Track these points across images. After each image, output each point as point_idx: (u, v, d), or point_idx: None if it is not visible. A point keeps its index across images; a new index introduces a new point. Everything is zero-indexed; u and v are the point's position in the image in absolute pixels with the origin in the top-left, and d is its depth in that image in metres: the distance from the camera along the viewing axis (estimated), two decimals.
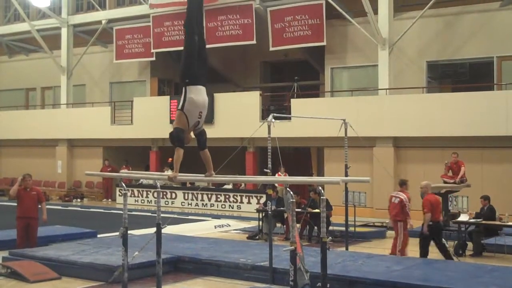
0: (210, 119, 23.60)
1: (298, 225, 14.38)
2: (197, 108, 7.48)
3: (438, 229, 12.70)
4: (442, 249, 12.67)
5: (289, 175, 19.32)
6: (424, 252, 12.56)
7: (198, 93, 7.49)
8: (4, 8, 32.42)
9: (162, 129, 24.59)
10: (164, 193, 24.07)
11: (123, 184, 8.98)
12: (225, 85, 27.56)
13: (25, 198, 12.76)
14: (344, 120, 13.77)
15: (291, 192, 7.01)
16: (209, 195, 23.79)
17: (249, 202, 22.64)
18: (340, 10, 21.99)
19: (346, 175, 13.52)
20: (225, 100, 23.91)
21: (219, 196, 23.58)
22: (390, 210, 13.10)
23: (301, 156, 25.49)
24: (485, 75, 21.71)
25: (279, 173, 19.79)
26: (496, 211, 14.11)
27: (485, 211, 13.98)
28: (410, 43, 22.06)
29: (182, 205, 24.21)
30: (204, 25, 23.82)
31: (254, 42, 23.85)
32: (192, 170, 8.98)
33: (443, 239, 12.80)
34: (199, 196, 23.94)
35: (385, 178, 19.35)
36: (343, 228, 14.33)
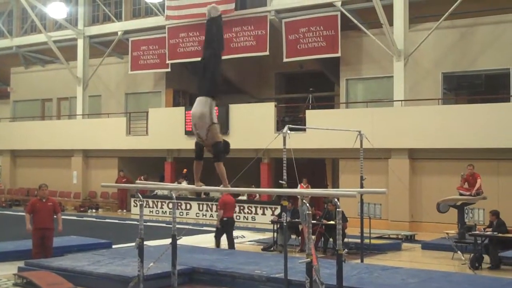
0: (225, 130, 23.65)
1: (313, 237, 14.35)
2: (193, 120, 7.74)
3: (230, 224, 15.48)
4: (231, 242, 15.32)
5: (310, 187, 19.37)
6: (218, 243, 15.37)
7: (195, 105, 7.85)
8: (21, 19, 32.65)
9: (177, 140, 24.71)
10: (179, 204, 24.09)
11: (140, 195, 9.00)
12: (240, 96, 27.62)
13: (41, 209, 12.81)
14: (359, 131, 13.75)
15: (308, 204, 7.00)
16: None
17: (263, 214, 22.60)
18: (355, 21, 21.99)
19: (362, 187, 13.49)
20: (240, 111, 23.94)
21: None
22: None
23: (316, 168, 25.45)
24: (501, 86, 21.61)
25: (302, 184, 19.79)
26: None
27: (497, 226, 13.84)
28: (426, 55, 22.01)
29: (196, 216, 24.22)
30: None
31: (267, 53, 23.88)
32: (209, 181, 8.98)
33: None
34: (214, 207, 23.91)
35: (401, 190, 19.32)
36: (359, 240, 14.28)
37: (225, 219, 15.38)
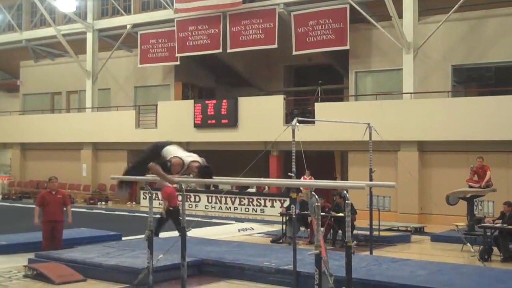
0: (234, 123, 23.72)
1: (322, 229, 14.36)
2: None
3: (175, 213, 15.45)
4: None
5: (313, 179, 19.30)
6: (158, 232, 15.08)
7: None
8: (30, 13, 32.74)
9: (186, 133, 24.74)
10: (188, 196, 24.13)
11: (149, 188, 9.02)
12: (249, 89, 27.66)
13: (51, 201, 12.87)
14: (368, 124, 13.72)
15: (316, 196, 6.99)
16: (233, 199, 23.84)
17: (272, 206, 22.64)
18: (365, 14, 21.94)
19: (371, 179, 13.47)
20: (249, 104, 23.96)
21: (242, 199, 23.62)
22: None
23: (325, 160, 25.45)
24: (511, 79, 21.52)
25: (305, 176, 19.77)
26: None
27: (509, 217, 13.77)
28: (435, 47, 21.94)
29: (205, 208, 24.27)
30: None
31: (275, 46, 23.87)
32: (218, 174, 8.97)
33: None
34: (223, 200, 24.00)
35: (410, 183, 19.29)
36: (367, 232, 14.28)
37: (171, 208, 15.62)
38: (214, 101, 24.99)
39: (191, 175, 8.00)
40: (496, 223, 13.90)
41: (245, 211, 23.36)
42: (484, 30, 21.57)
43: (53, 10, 30.41)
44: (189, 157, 7.95)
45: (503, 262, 13.31)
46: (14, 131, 31.48)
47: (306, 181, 16.34)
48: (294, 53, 23.61)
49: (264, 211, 22.88)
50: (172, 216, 15.68)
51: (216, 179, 8.68)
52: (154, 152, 8.16)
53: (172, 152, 8.01)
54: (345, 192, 7.11)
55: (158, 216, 15.80)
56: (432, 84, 21.86)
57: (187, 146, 25.71)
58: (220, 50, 25.26)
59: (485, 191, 16.18)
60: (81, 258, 11.69)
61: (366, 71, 24.22)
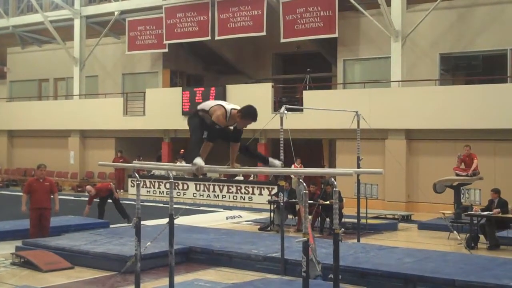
0: None
1: (309, 216, 14.39)
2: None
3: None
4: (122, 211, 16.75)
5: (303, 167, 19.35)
6: (100, 212, 16.78)
7: None
8: None
9: (174, 120, 24.69)
10: (176, 184, 24.11)
11: (137, 175, 9.00)
12: (237, 77, 27.60)
13: (38, 189, 12.86)
14: (356, 112, 13.75)
15: (304, 184, 7.00)
16: (221, 187, 23.83)
17: (260, 194, 22.64)
18: (353, 1, 21.90)
19: (358, 167, 13.50)
20: (237, 92, 23.89)
21: (230, 187, 23.60)
22: None
23: (313, 148, 25.48)
24: (499, 67, 21.59)
25: (295, 164, 19.83)
26: (509, 204, 14.02)
27: (498, 204, 13.86)
28: (423, 35, 21.96)
29: (194, 196, 24.25)
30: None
31: (263, 33, 23.80)
32: (207, 161, 8.96)
33: None
34: (211, 188, 23.97)
35: (397, 171, 19.36)
36: (355, 220, 14.34)
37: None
38: (202, 89, 24.94)
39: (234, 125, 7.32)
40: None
41: (233, 199, 23.35)
42: (472, 19, 21.59)
43: None
44: (229, 105, 7.23)
45: (489, 250, 13.41)
46: (1, 118, 31.28)
47: (294, 169, 16.35)
48: (282, 40, 23.57)
49: (252, 199, 22.89)
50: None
51: (204, 167, 8.67)
52: (198, 117, 7.39)
53: (211, 103, 7.30)
54: (332, 179, 7.11)
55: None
56: (420, 72, 21.90)
57: (175, 133, 25.74)
58: (209, 38, 25.18)
59: (472, 179, 16.27)
60: (68, 246, 11.70)
61: (354, 59, 24.22)
